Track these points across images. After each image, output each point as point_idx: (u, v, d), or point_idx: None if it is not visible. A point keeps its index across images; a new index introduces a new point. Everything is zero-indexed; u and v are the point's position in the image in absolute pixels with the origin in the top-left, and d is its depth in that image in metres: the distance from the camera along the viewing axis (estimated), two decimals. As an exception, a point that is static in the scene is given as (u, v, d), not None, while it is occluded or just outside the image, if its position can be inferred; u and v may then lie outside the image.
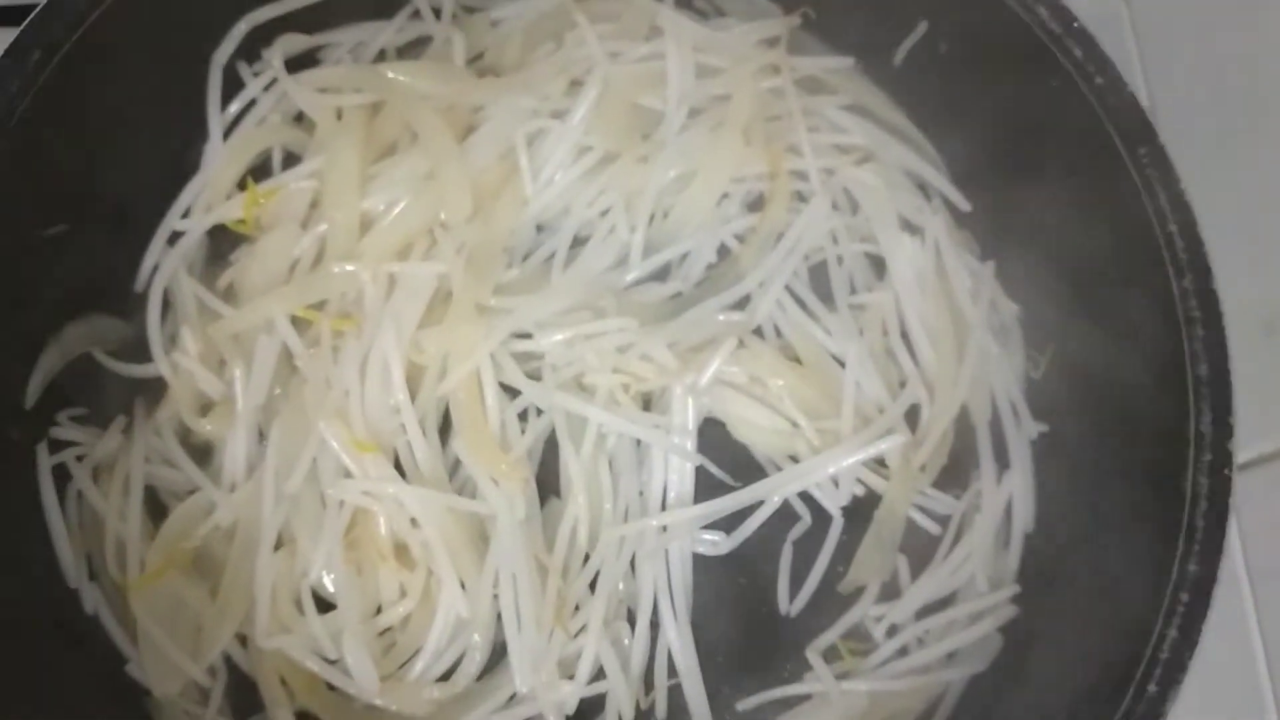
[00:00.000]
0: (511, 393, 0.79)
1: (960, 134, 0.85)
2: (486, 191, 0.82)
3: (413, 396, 0.76)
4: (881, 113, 0.88)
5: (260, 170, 0.84)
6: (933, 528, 0.80)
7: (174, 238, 0.82)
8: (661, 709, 0.74)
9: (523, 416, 0.79)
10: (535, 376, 0.79)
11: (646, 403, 0.80)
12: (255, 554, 0.73)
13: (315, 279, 0.79)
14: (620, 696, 0.73)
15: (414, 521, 0.73)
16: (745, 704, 0.76)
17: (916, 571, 0.79)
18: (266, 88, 0.84)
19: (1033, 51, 0.74)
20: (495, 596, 0.73)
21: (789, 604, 0.78)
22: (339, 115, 0.83)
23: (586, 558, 0.76)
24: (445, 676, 0.74)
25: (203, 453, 0.78)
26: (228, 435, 0.77)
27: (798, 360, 0.81)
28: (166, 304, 0.80)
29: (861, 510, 0.79)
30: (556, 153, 0.83)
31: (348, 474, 0.74)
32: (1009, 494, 0.80)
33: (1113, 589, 0.69)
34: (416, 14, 0.88)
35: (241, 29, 0.82)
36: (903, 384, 0.82)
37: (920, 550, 0.79)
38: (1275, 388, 0.76)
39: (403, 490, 0.73)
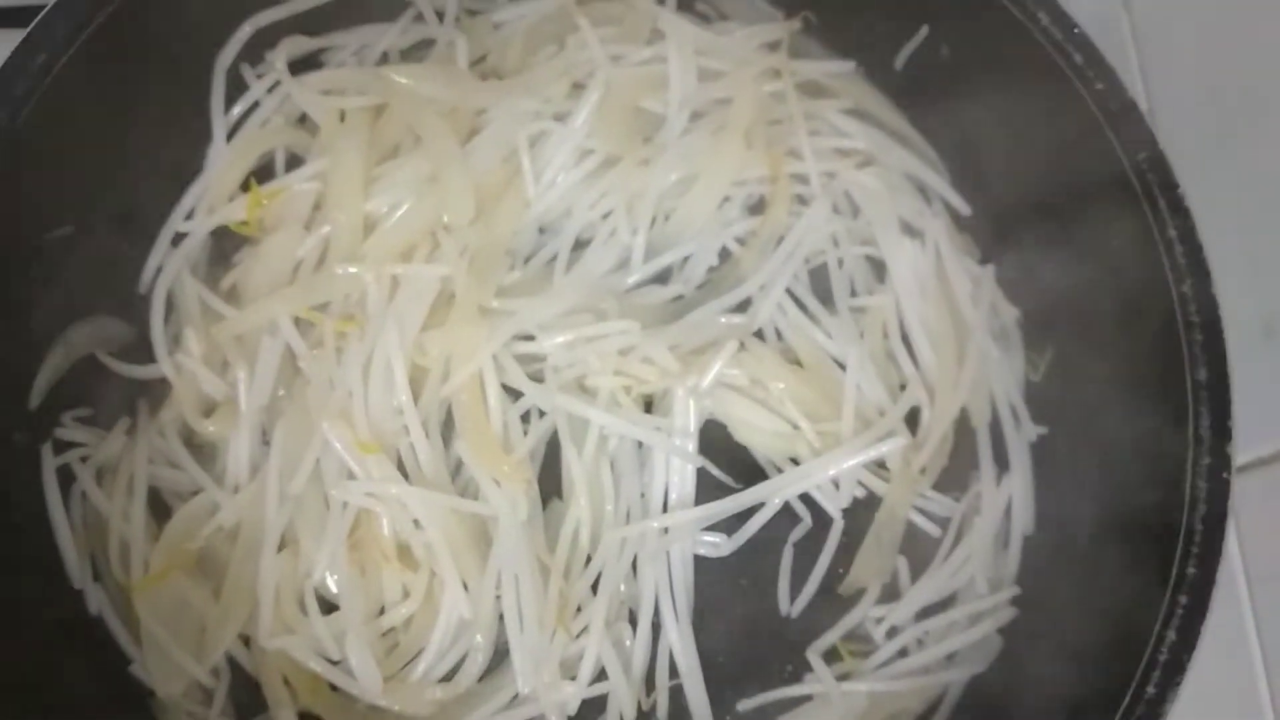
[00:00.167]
0: (514, 394, 0.79)
1: (961, 138, 0.86)
2: (489, 194, 0.83)
3: (415, 398, 0.76)
4: (882, 116, 0.88)
5: (264, 172, 0.84)
6: (933, 530, 0.80)
7: (178, 239, 0.82)
8: (663, 710, 0.75)
9: (525, 418, 0.79)
10: (537, 378, 0.79)
11: (648, 405, 0.80)
12: (259, 555, 0.73)
13: (318, 280, 0.80)
14: (622, 697, 0.73)
15: (417, 523, 0.74)
16: (746, 705, 0.76)
17: (916, 573, 0.79)
18: (270, 90, 0.85)
19: (1033, 56, 0.75)
20: (498, 597, 0.73)
21: (789, 605, 0.78)
22: (342, 117, 0.83)
23: (588, 559, 0.76)
24: (448, 677, 0.74)
25: (206, 454, 0.79)
26: (231, 436, 0.77)
27: (798, 363, 0.82)
28: (170, 305, 0.81)
29: (862, 512, 0.79)
30: (559, 155, 0.83)
31: (351, 475, 0.74)
32: (1008, 496, 0.80)
33: (1111, 591, 0.70)
34: (419, 17, 0.88)
35: (246, 31, 0.82)
36: (903, 387, 0.82)
37: (920, 552, 0.80)
38: (1274, 391, 0.76)
39: (406, 491, 0.73)
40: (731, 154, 0.83)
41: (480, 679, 0.74)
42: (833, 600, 0.79)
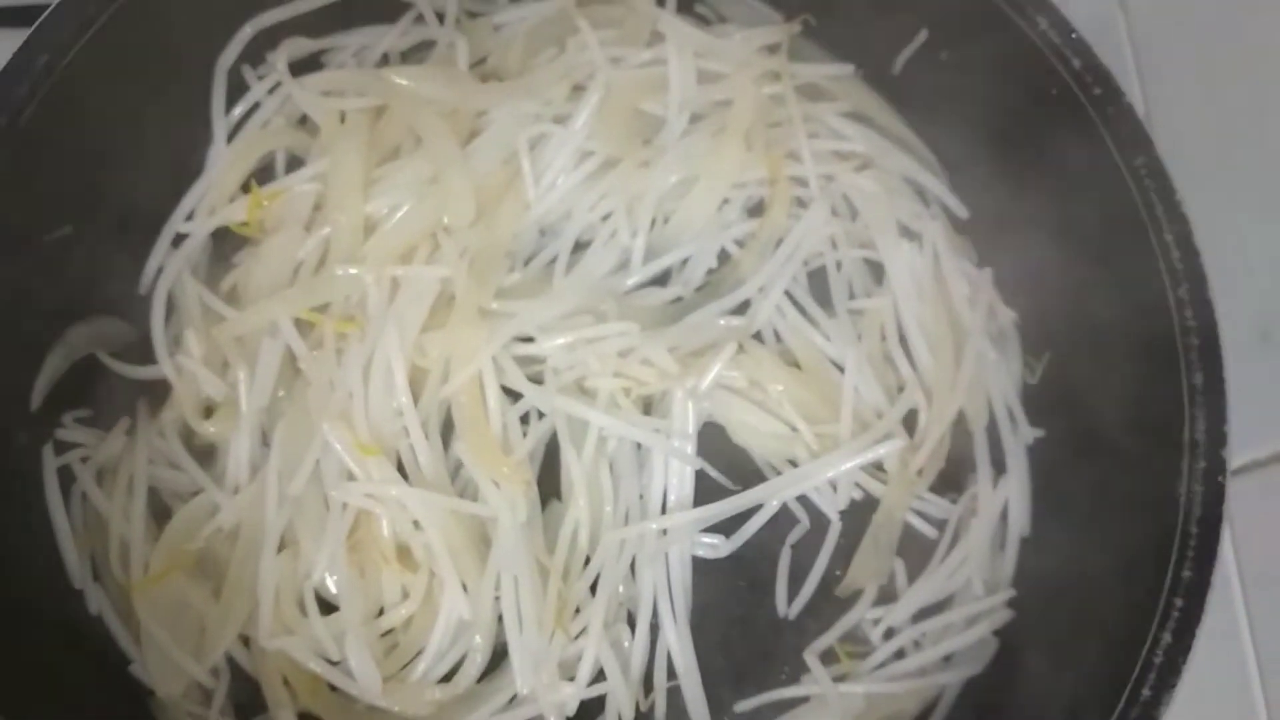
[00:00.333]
0: (513, 396, 0.79)
1: (959, 141, 0.86)
2: (489, 196, 0.83)
3: (415, 399, 0.76)
4: (881, 120, 0.89)
5: (264, 173, 0.84)
6: (930, 531, 0.80)
7: (178, 240, 0.82)
8: (661, 710, 0.75)
9: (524, 419, 0.79)
10: (537, 380, 0.79)
11: (647, 406, 0.80)
12: (258, 555, 0.74)
13: (319, 282, 0.80)
14: (620, 698, 0.73)
15: (416, 524, 0.74)
16: (743, 705, 0.77)
17: (913, 575, 0.80)
18: (271, 91, 0.85)
19: (1031, 61, 0.75)
20: (497, 598, 0.73)
21: (787, 607, 0.79)
22: (343, 119, 0.83)
23: (587, 560, 0.76)
24: (447, 678, 0.74)
25: (206, 454, 0.79)
26: (231, 437, 0.77)
27: (797, 365, 0.82)
28: (170, 306, 0.81)
29: (859, 514, 0.79)
30: (559, 157, 0.83)
31: (351, 476, 0.74)
32: (1005, 498, 0.80)
33: (1107, 594, 0.70)
34: (420, 19, 0.88)
35: (247, 33, 0.83)
36: (900, 389, 0.82)
37: (917, 554, 0.80)
38: (1270, 394, 0.77)
39: (405, 493, 0.73)
40: (731, 156, 0.83)
41: (479, 680, 0.74)
42: (830, 602, 0.79)
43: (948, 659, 0.78)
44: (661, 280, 0.85)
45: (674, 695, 0.75)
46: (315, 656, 0.72)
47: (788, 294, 0.84)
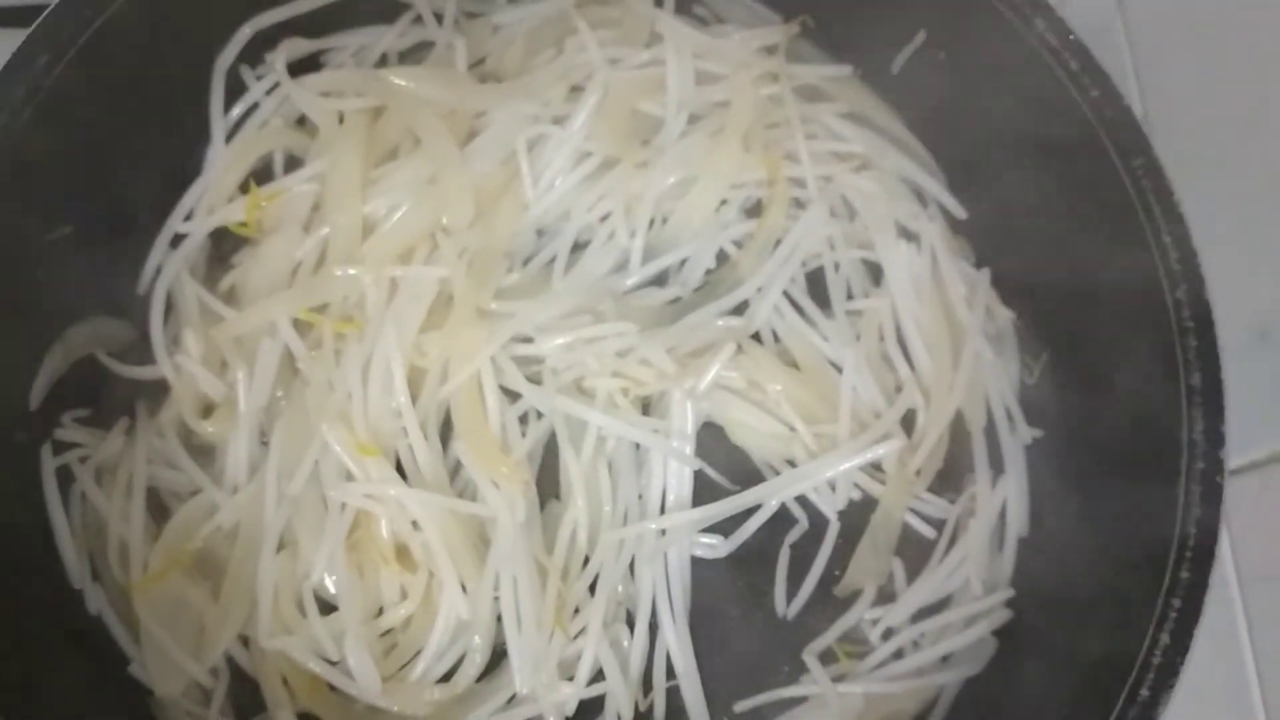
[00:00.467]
0: (512, 396, 0.79)
1: (957, 142, 0.86)
2: (488, 196, 0.83)
3: (414, 399, 0.77)
4: (879, 120, 0.89)
5: (262, 173, 0.85)
6: (928, 532, 0.80)
7: (177, 240, 0.82)
8: (660, 710, 0.75)
9: (523, 420, 0.80)
10: (536, 380, 0.79)
11: (645, 407, 0.81)
12: (257, 555, 0.74)
13: (317, 282, 0.80)
14: (619, 698, 0.73)
15: (415, 524, 0.74)
16: (742, 705, 0.77)
17: (912, 575, 0.80)
18: (269, 91, 0.85)
19: (1029, 62, 0.75)
20: (496, 598, 0.73)
21: (786, 607, 0.79)
22: (341, 119, 0.84)
23: (586, 560, 0.76)
24: (446, 678, 0.74)
25: (205, 454, 0.79)
26: (230, 437, 0.77)
27: (795, 365, 0.82)
28: (169, 306, 0.81)
29: (858, 514, 0.80)
30: (557, 158, 0.84)
31: (349, 476, 0.75)
32: (1003, 498, 0.81)
33: (1105, 594, 0.70)
34: (419, 19, 0.88)
35: (245, 33, 0.82)
36: (899, 389, 0.82)
37: (916, 554, 0.80)
38: (1268, 394, 0.77)
39: (404, 493, 0.73)
40: (729, 157, 0.84)
41: (478, 679, 0.74)
42: (829, 602, 0.79)
43: (946, 659, 0.78)
44: (660, 281, 0.85)
45: (673, 695, 0.75)
46: (314, 656, 0.72)
47: (786, 294, 0.84)
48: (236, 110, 0.85)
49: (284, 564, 0.74)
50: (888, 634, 0.78)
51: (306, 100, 0.83)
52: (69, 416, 0.77)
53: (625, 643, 0.75)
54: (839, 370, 0.81)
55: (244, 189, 0.83)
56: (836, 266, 0.86)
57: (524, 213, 0.84)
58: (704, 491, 0.79)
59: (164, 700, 0.73)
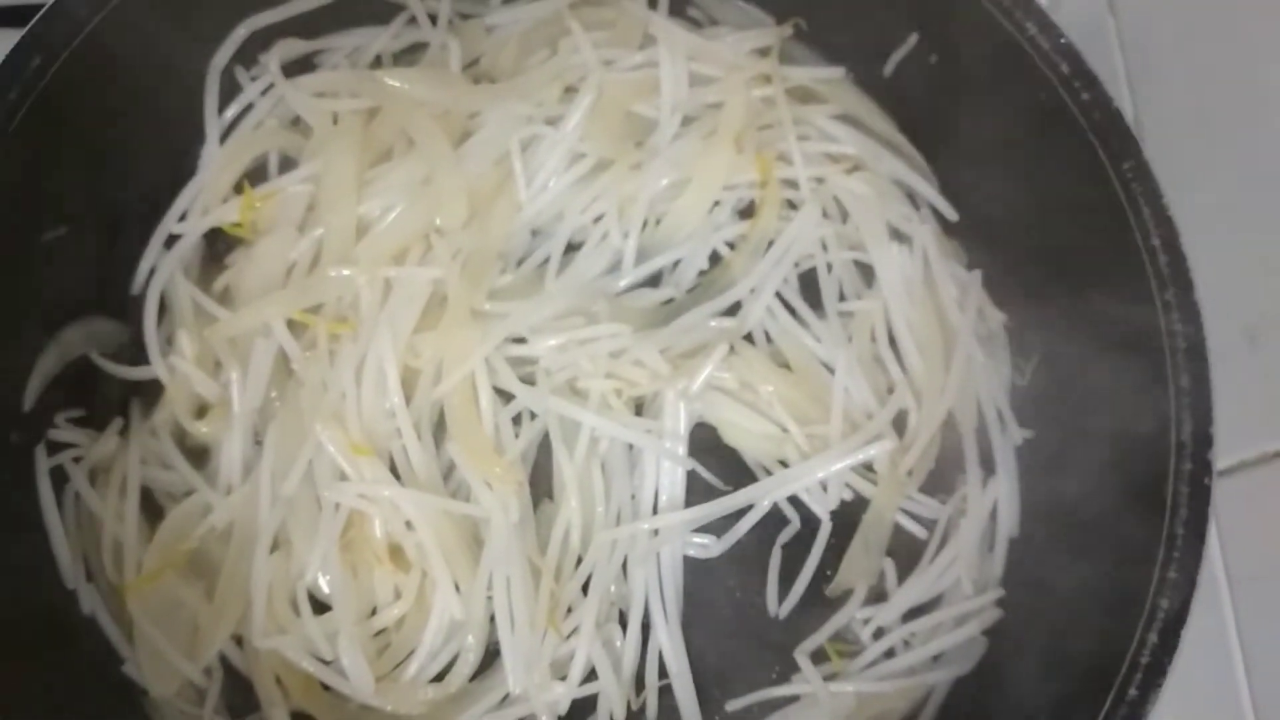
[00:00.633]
0: (505, 397, 0.80)
1: (949, 145, 0.86)
2: (481, 197, 0.83)
3: (408, 400, 0.77)
4: (871, 122, 0.89)
5: (257, 174, 0.85)
6: (919, 532, 0.81)
7: (171, 241, 0.82)
8: (652, 710, 0.75)
9: (516, 420, 0.80)
10: (529, 381, 0.79)
11: (639, 407, 0.81)
12: (251, 555, 0.74)
13: (311, 283, 0.80)
14: (612, 697, 0.74)
15: (409, 524, 0.74)
16: (734, 704, 0.77)
17: (903, 575, 0.80)
18: (263, 92, 0.85)
19: (1020, 65, 0.75)
20: (489, 598, 0.74)
21: (778, 606, 0.79)
22: (335, 120, 0.84)
23: (579, 560, 0.77)
24: (439, 677, 0.74)
25: (199, 455, 0.79)
26: (224, 438, 0.78)
27: (788, 366, 0.82)
28: (163, 307, 0.81)
29: (849, 514, 0.80)
30: (551, 159, 0.84)
31: (343, 477, 0.75)
32: (994, 499, 0.81)
33: (1094, 594, 0.71)
34: (413, 20, 0.88)
35: (240, 34, 0.83)
36: (890, 390, 0.83)
37: (907, 554, 0.81)
38: (1257, 395, 0.77)
39: (398, 493, 0.74)
40: (722, 158, 0.84)
41: (472, 679, 0.75)
42: (820, 601, 0.79)
43: (937, 658, 0.79)
44: (653, 282, 0.85)
45: (665, 694, 0.76)
46: (308, 656, 0.73)
47: (778, 296, 0.84)
48: (231, 111, 0.85)
49: (278, 564, 0.74)
50: (879, 633, 0.79)
51: (301, 101, 0.84)
52: (63, 417, 0.77)
53: (618, 642, 0.76)
54: (831, 371, 0.82)
55: (238, 189, 0.83)
56: (829, 268, 0.86)
57: (518, 214, 0.84)
58: (696, 492, 0.79)
59: (158, 700, 0.73)
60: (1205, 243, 0.71)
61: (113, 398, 0.80)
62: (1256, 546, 0.80)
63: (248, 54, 0.84)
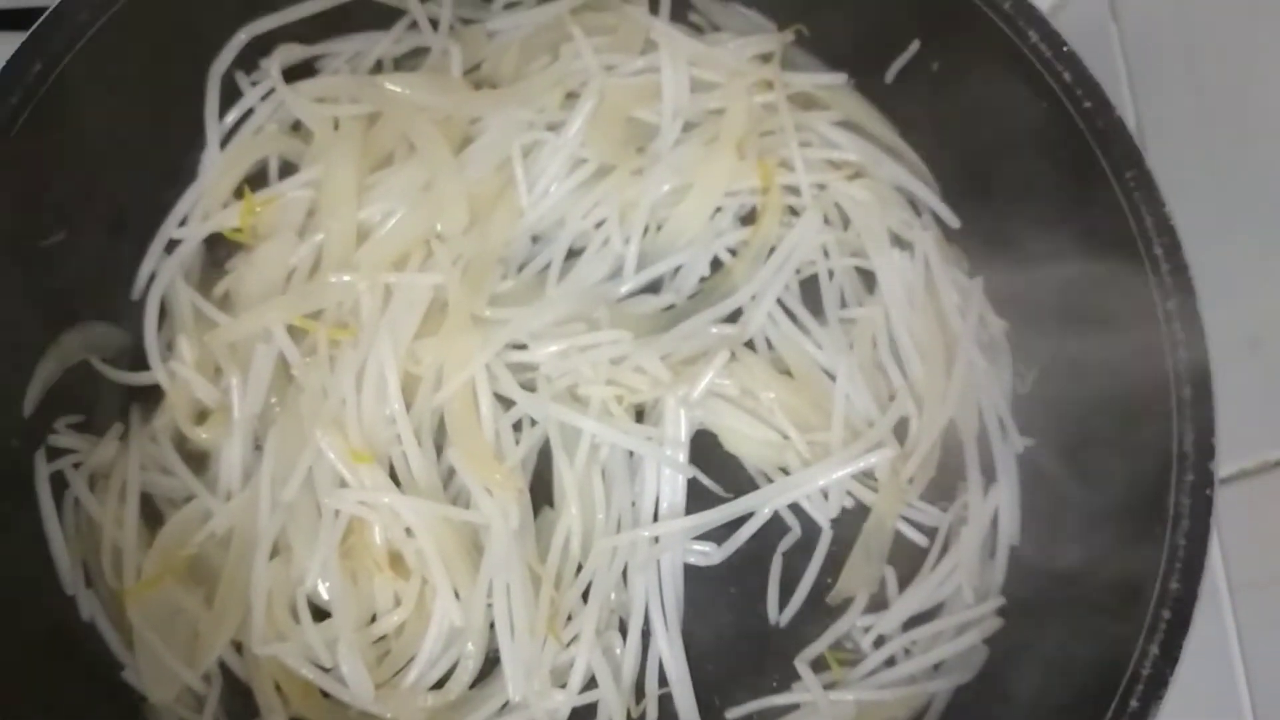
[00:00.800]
0: (506, 403, 0.79)
1: (950, 151, 0.87)
2: (482, 203, 0.83)
3: (408, 406, 0.77)
4: (873, 129, 0.89)
5: (257, 179, 0.85)
6: (920, 540, 0.81)
7: (171, 246, 0.82)
8: (652, 717, 0.75)
9: (517, 427, 0.80)
10: (530, 387, 0.79)
11: (639, 414, 0.81)
12: (251, 562, 0.74)
13: (312, 288, 0.80)
14: (612, 705, 0.74)
15: (409, 531, 0.74)
16: (734, 713, 0.77)
17: (904, 583, 0.80)
18: (264, 97, 0.85)
19: (1022, 73, 0.76)
20: (489, 605, 0.74)
21: (778, 614, 0.79)
22: (336, 125, 0.84)
23: (579, 568, 0.76)
24: (439, 684, 0.74)
25: (199, 460, 0.79)
26: (224, 443, 0.77)
27: (789, 373, 0.82)
28: (163, 312, 0.81)
29: (850, 522, 0.80)
30: (552, 165, 0.84)
31: (343, 483, 0.75)
32: (995, 507, 0.81)
33: (1095, 604, 0.71)
34: (414, 25, 0.88)
35: (241, 39, 0.83)
36: (892, 397, 0.83)
37: (908, 562, 0.80)
38: (1259, 403, 0.77)
39: (398, 500, 0.73)
40: (724, 165, 0.84)
41: (471, 686, 0.75)
42: (821, 609, 0.79)
43: (938, 667, 0.78)
44: (654, 288, 0.85)
45: (665, 702, 0.75)
46: (307, 663, 0.73)
47: (780, 302, 0.84)
48: (231, 116, 0.85)
49: (277, 570, 0.74)
50: (879, 641, 0.79)
51: (301, 106, 0.83)
52: (63, 422, 0.77)
53: (618, 650, 0.76)
54: (832, 378, 0.82)
55: (239, 195, 0.83)
56: (830, 274, 0.86)
57: (519, 219, 0.84)
58: (697, 499, 0.79)
59: (157, 706, 0.73)
60: (1207, 251, 0.71)
61: (112, 403, 0.80)
62: (1258, 555, 0.80)
63: (248, 59, 0.84)
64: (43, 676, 0.70)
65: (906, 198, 0.88)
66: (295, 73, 0.85)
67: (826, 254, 0.86)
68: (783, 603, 0.79)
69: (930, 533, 0.81)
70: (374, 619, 0.75)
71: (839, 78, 0.89)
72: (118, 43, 0.74)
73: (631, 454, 0.79)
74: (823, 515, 0.80)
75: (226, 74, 0.83)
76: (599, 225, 0.85)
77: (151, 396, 0.80)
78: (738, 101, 0.85)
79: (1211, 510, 0.66)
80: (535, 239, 0.86)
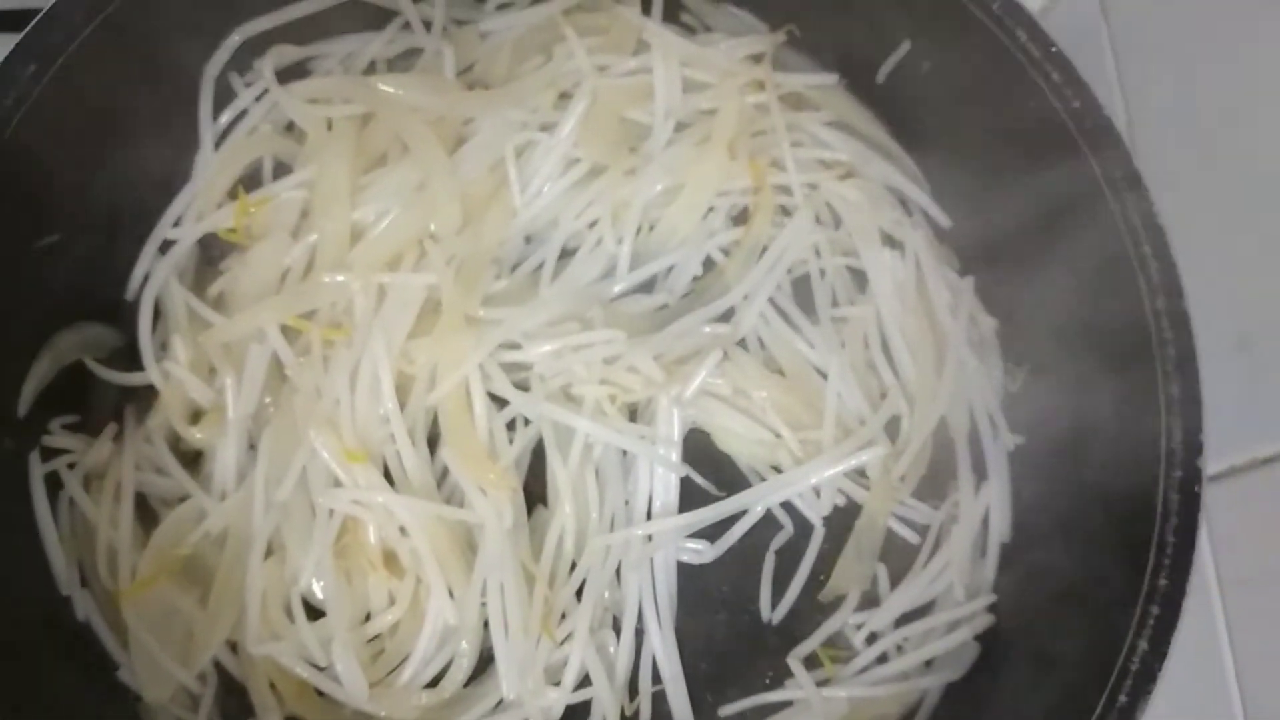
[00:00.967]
0: (500, 403, 0.80)
1: (941, 151, 0.87)
2: (476, 203, 0.83)
3: (402, 406, 0.77)
4: (864, 129, 0.89)
5: (251, 180, 0.85)
6: (912, 537, 0.81)
7: (165, 246, 0.82)
8: (646, 715, 0.76)
9: (510, 426, 0.80)
10: (523, 387, 0.80)
11: (632, 413, 0.81)
12: (245, 561, 0.74)
13: (306, 288, 0.80)
14: (605, 703, 0.74)
15: (403, 530, 0.74)
16: (728, 710, 0.77)
17: (896, 580, 0.81)
18: (258, 98, 0.86)
19: (1012, 73, 0.76)
20: (483, 604, 0.74)
21: (771, 612, 0.79)
22: (329, 126, 0.84)
23: (573, 566, 0.77)
24: (433, 683, 0.75)
25: (193, 460, 0.79)
26: (218, 443, 0.78)
27: (781, 372, 0.83)
28: (157, 312, 0.81)
29: (842, 520, 0.80)
30: (545, 165, 0.84)
31: (337, 483, 0.75)
32: (986, 505, 0.81)
33: (1085, 600, 0.71)
34: (407, 26, 0.88)
35: (234, 40, 0.83)
36: (883, 396, 0.83)
37: (899, 559, 0.81)
38: (1247, 400, 0.77)
39: (392, 499, 0.74)
40: (716, 164, 0.84)
41: (465, 685, 0.75)
42: (813, 607, 0.80)
43: (929, 663, 0.79)
44: (647, 287, 0.86)
45: (659, 700, 0.76)
46: (302, 662, 0.73)
47: (772, 301, 0.84)
48: (225, 117, 0.85)
49: (272, 570, 0.74)
50: (871, 639, 0.79)
51: (295, 107, 0.84)
52: (57, 423, 0.77)
53: (611, 648, 0.76)
54: (824, 377, 0.82)
55: (233, 195, 0.83)
56: (822, 274, 0.86)
57: (512, 219, 0.84)
58: (690, 497, 0.79)
59: (152, 706, 0.73)
60: (1197, 246, 0.71)
61: (107, 403, 0.80)
62: (1247, 551, 0.81)
63: (242, 60, 0.84)
64: (38, 676, 0.71)
65: (897, 197, 0.89)
66: (289, 74, 0.85)
67: (818, 253, 0.86)
68: (775, 600, 0.79)
69: (922, 530, 0.81)
70: (368, 618, 0.75)
71: (830, 78, 0.90)
72: (111, 44, 0.74)
73: (625, 453, 0.80)
74: (815, 513, 0.80)
75: (220, 75, 0.83)
76: (592, 225, 0.85)
77: (146, 397, 0.80)
78: (730, 102, 0.85)
79: (1200, 506, 0.66)
80: (528, 239, 0.87)
